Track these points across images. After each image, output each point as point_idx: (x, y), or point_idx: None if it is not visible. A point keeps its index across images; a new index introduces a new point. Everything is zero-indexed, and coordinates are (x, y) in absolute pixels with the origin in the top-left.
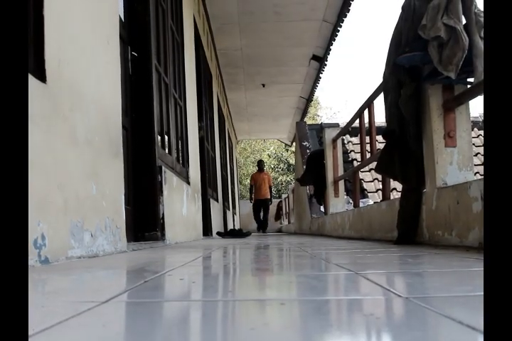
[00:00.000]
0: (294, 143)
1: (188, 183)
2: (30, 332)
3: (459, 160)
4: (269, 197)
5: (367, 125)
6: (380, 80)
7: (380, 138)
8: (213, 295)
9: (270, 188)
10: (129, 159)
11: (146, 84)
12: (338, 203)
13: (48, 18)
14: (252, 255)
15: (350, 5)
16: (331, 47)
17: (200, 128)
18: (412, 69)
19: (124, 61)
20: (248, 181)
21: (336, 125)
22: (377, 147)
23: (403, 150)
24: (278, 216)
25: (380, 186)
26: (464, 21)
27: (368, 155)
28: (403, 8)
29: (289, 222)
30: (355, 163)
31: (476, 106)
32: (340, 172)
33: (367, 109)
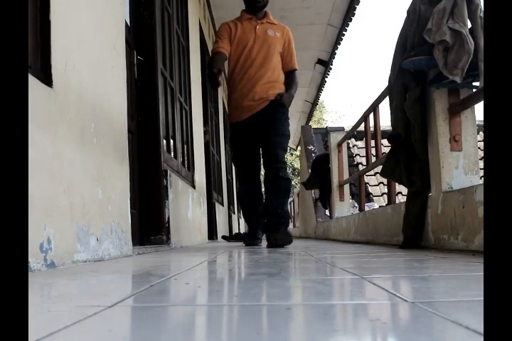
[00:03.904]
0: (299, 147)
1: (194, 187)
2: (36, 337)
3: (464, 164)
4: (286, 99)
5: (372, 129)
6: (385, 83)
7: (385, 142)
8: (219, 299)
9: (292, 78)
10: (134, 163)
11: (151, 89)
12: (344, 207)
13: (55, 24)
14: (258, 259)
15: (355, 9)
16: (336, 51)
17: (205, 133)
18: (418, 73)
19: (129, 65)
20: None
21: (341, 129)
22: (383, 151)
23: (408, 154)
24: None
25: (386, 190)
26: (469, 25)
27: (374, 159)
28: (408, 12)
29: (294, 226)
30: (361, 167)
31: (482, 110)
32: (346, 176)
33: (372, 113)
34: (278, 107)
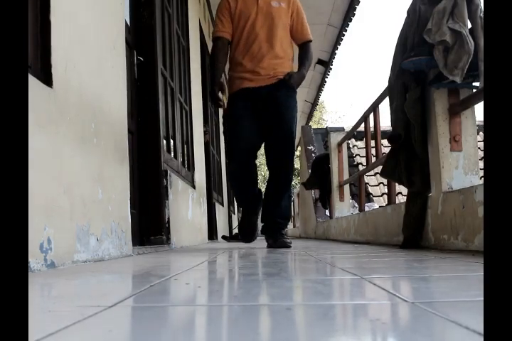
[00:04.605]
0: (299, 147)
1: (194, 187)
2: (36, 337)
3: (464, 165)
4: (296, 80)
5: (372, 129)
6: (385, 83)
7: (385, 142)
8: (219, 299)
9: (306, 50)
10: (134, 163)
11: (151, 89)
12: (344, 207)
13: (55, 24)
14: (258, 259)
15: (355, 9)
16: (336, 51)
17: (205, 133)
18: (418, 73)
19: (130, 65)
20: None
21: (341, 129)
22: (383, 151)
23: (409, 154)
24: None
25: (386, 190)
26: (469, 25)
27: (374, 160)
28: (408, 12)
29: (294, 226)
30: (361, 167)
31: (482, 111)
32: (346, 176)
33: (372, 113)
34: (286, 90)
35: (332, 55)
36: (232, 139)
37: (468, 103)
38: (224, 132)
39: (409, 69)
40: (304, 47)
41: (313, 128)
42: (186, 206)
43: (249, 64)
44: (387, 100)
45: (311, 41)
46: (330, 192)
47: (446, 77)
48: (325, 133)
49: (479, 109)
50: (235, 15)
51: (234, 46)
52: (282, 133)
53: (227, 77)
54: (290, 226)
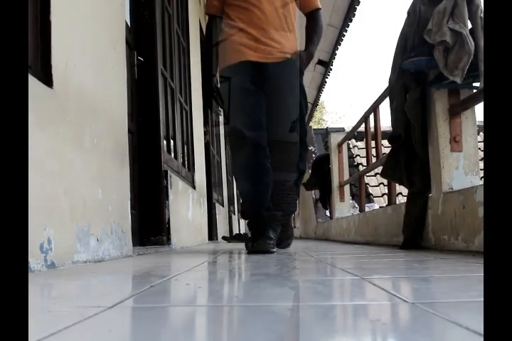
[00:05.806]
0: None
1: (194, 188)
2: (37, 337)
3: (464, 165)
4: (304, 61)
5: (372, 129)
6: (386, 84)
7: (385, 142)
8: (219, 300)
9: (315, 20)
10: (134, 163)
11: (152, 89)
12: (344, 208)
13: (55, 25)
14: (258, 259)
15: (355, 9)
16: (336, 51)
17: (205, 133)
18: (418, 73)
19: (130, 66)
20: None
21: (342, 129)
22: (383, 151)
23: (409, 154)
24: None
25: (386, 191)
26: (469, 26)
27: (374, 160)
28: (409, 12)
29: (294, 227)
30: (361, 168)
31: (482, 111)
32: (346, 176)
33: (372, 114)
34: (294, 72)
35: (332, 55)
36: (234, 114)
37: (469, 103)
38: (224, 110)
39: (410, 70)
40: (312, 16)
41: (314, 129)
42: (186, 206)
43: (252, 31)
44: (387, 100)
45: (320, 9)
46: (330, 192)
47: (446, 77)
48: (325, 133)
49: (479, 109)
50: None
51: (229, 12)
52: (283, 124)
53: (219, 43)
54: None
